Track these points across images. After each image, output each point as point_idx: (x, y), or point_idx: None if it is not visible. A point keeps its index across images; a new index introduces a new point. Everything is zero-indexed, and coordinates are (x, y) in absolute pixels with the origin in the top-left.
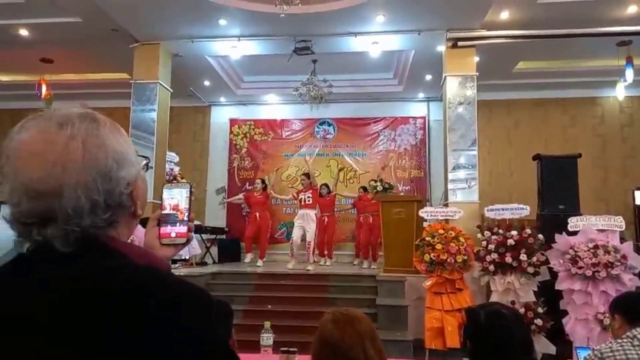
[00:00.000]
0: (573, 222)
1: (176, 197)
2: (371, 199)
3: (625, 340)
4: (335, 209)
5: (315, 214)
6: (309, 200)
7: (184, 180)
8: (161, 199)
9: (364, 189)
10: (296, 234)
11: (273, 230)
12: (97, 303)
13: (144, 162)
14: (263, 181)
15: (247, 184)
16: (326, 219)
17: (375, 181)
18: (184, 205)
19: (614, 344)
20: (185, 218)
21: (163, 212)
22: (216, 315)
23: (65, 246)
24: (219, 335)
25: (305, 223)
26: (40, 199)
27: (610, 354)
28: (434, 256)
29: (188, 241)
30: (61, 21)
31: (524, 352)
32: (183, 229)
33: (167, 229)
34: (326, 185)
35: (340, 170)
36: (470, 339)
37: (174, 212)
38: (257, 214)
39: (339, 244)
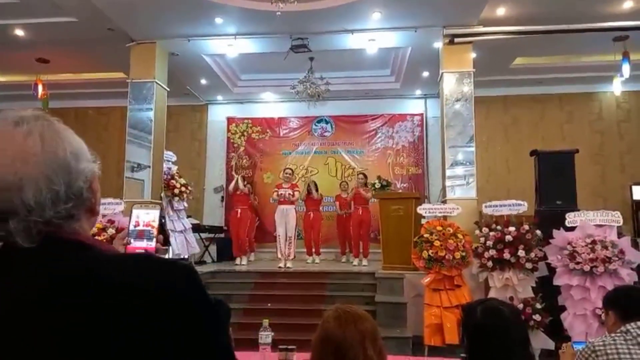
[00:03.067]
0: (571, 218)
1: (151, 213)
2: (363, 193)
3: (618, 334)
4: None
5: (295, 209)
6: (289, 197)
7: (176, 191)
8: (130, 217)
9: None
10: (281, 231)
11: (270, 228)
12: (86, 294)
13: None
14: (244, 179)
15: (245, 183)
16: (312, 215)
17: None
18: (157, 223)
19: (607, 338)
20: (155, 235)
21: (137, 227)
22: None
23: (28, 240)
24: (210, 299)
25: (286, 218)
26: None
27: (602, 348)
28: (432, 253)
29: None
30: (57, 21)
31: (520, 348)
32: (153, 244)
33: (137, 244)
34: (314, 182)
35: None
36: (467, 334)
37: (149, 228)
38: (239, 211)
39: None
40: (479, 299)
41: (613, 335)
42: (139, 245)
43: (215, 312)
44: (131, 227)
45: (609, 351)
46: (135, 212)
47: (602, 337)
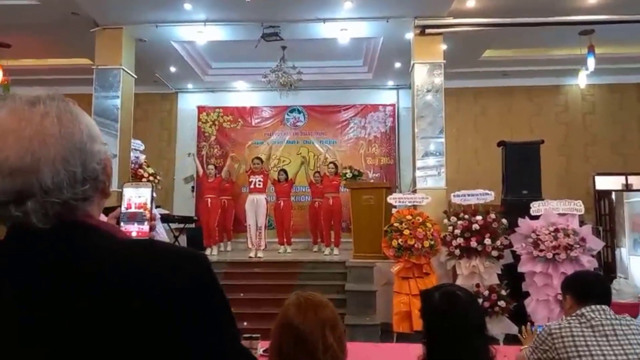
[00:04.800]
0: (535, 207)
1: (143, 196)
2: (332, 180)
3: (573, 317)
4: (292, 197)
5: (266, 199)
6: (259, 185)
7: (144, 180)
8: (122, 197)
9: (318, 173)
10: (252, 221)
11: (241, 217)
12: (88, 289)
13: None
14: (215, 167)
15: (216, 172)
16: (282, 204)
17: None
18: (149, 204)
19: (563, 321)
20: (148, 217)
21: (128, 210)
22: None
23: (44, 221)
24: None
25: (257, 208)
26: (16, 175)
27: (558, 331)
28: (401, 241)
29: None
30: (18, 4)
31: (477, 332)
32: (146, 227)
33: (128, 227)
34: (284, 170)
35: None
36: (425, 319)
37: (141, 210)
38: (209, 200)
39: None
40: (437, 285)
41: (569, 318)
42: (130, 229)
43: (228, 313)
44: (123, 209)
45: (564, 334)
46: (126, 190)
47: (558, 321)
